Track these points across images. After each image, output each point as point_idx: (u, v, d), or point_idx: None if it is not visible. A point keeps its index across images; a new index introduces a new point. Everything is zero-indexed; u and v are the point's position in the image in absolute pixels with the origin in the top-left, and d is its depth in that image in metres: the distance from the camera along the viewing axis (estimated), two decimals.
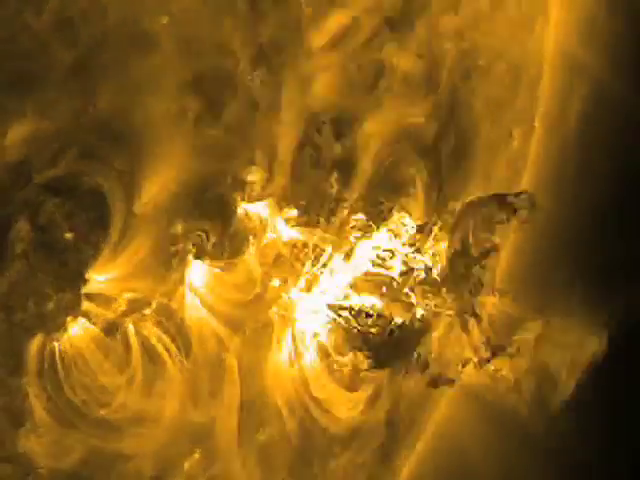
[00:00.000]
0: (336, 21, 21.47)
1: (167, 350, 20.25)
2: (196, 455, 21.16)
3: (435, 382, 22.78)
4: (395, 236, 22.32)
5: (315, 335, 22.24)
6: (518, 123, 25.48)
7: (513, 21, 24.54)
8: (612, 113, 25.34)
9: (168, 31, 19.28)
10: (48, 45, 18.35)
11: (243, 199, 20.64)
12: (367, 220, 22.03)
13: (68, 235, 18.67)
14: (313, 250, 21.56)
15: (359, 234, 21.95)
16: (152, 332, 20.06)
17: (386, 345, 22.07)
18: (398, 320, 22.01)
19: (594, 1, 25.37)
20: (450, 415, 25.22)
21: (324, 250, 21.64)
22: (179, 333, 20.34)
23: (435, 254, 22.07)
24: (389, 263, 22.07)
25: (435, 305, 22.01)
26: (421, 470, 25.11)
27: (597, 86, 25.42)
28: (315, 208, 21.45)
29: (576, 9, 25.46)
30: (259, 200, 20.84)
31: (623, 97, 25.23)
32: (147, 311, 19.88)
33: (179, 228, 19.92)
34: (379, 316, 21.95)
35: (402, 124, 22.85)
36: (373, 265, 22.08)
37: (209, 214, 20.24)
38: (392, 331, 22.07)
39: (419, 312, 22.05)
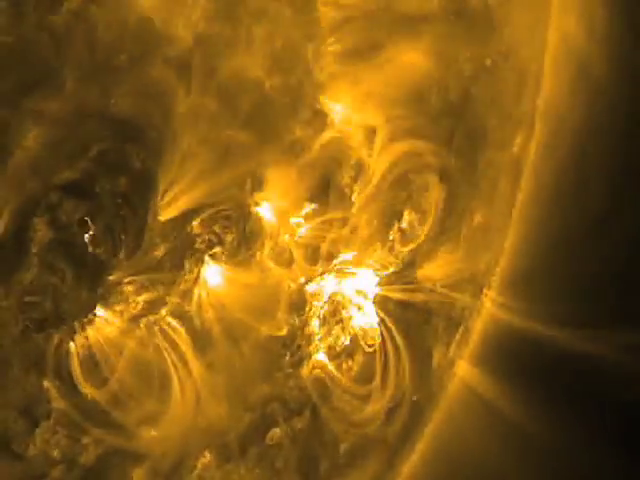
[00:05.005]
0: (349, 23, 21.55)
1: (182, 350, 20.28)
2: (208, 455, 21.22)
3: None
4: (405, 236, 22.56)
5: (326, 335, 22.37)
6: (520, 124, 25.66)
7: (518, 22, 24.70)
8: (614, 115, 25.53)
9: (186, 32, 19.30)
10: (66, 45, 18.26)
11: (259, 199, 20.70)
12: (378, 221, 22.20)
13: (86, 236, 18.66)
14: (327, 251, 21.72)
15: (370, 236, 22.13)
16: (167, 332, 20.08)
17: None
18: None
19: (598, 3, 25.55)
20: (450, 415, 25.37)
21: (338, 251, 21.81)
22: (194, 333, 20.38)
23: None
24: None
25: None
26: (422, 470, 25.26)
27: (599, 88, 25.61)
28: (329, 208, 21.57)
29: (579, 10, 25.65)
30: (274, 200, 20.91)
31: (625, 98, 25.43)
32: (163, 311, 19.93)
33: (195, 228, 19.98)
34: None
35: (411, 126, 22.97)
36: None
37: (225, 214, 20.30)
38: None
39: None
